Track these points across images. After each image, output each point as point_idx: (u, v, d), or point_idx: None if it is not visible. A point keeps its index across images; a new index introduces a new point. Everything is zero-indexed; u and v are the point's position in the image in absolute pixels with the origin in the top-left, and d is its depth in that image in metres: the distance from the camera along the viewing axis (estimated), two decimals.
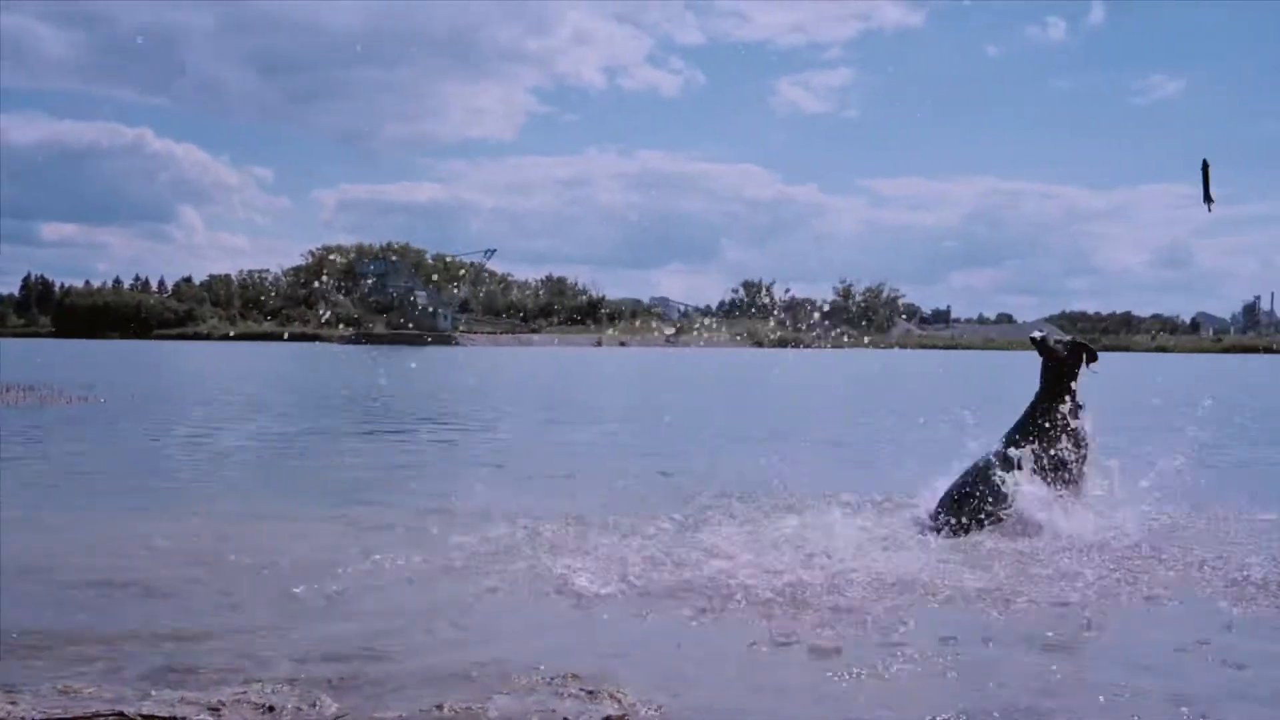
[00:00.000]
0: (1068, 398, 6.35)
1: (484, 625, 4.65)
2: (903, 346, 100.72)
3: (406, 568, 5.62)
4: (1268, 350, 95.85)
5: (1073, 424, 6.30)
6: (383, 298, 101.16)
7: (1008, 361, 50.44)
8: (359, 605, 4.94)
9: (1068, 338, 6.72)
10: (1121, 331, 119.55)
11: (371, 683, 3.86)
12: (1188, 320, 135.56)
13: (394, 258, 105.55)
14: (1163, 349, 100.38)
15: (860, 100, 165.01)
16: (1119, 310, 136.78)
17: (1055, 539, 6.13)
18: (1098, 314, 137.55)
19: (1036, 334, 6.65)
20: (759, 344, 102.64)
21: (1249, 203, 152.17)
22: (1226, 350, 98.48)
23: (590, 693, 3.81)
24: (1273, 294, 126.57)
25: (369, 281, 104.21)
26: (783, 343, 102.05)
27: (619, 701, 3.73)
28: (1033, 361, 6.86)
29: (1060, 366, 6.43)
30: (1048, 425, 6.28)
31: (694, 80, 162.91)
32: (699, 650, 4.34)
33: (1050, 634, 4.54)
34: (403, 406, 18.88)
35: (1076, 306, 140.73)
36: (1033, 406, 6.52)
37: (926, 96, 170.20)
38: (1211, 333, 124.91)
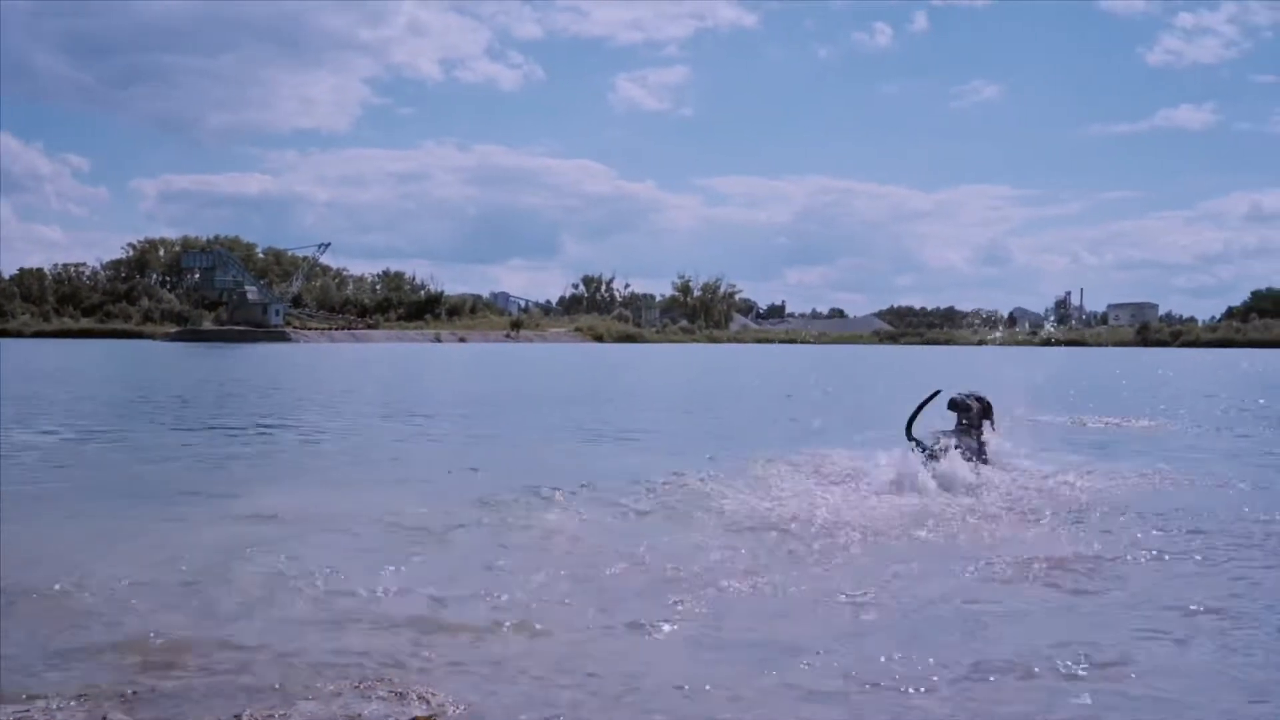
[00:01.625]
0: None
1: (287, 634, 4.46)
2: (740, 341, 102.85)
3: (205, 578, 5.31)
4: (1079, 343, 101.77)
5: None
6: (210, 293, 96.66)
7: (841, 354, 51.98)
8: (152, 615, 4.68)
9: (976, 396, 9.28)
10: (945, 326, 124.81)
11: (166, 696, 3.71)
12: (1006, 314, 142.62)
13: (221, 250, 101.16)
14: (982, 342, 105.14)
15: (696, 98, 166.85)
16: (943, 305, 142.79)
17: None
18: (923, 309, 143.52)
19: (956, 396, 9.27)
20: (599, 338, 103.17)
21: (1060, 203, 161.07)
22: (1041, 343, 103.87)
23: (399, 694, 3.77)
24: (1081, 289, 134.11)
25: (195, 276, 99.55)
26: (624, 337, 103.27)
27: (427, 702, 3.71)
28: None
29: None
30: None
31: (533, 75, 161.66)
32: (508, 648, 4.33)
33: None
34: (219, 406, 18.19)
35: (904, 302, 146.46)
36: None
37: (761, 96, 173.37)
38: (1027, 326, 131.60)
